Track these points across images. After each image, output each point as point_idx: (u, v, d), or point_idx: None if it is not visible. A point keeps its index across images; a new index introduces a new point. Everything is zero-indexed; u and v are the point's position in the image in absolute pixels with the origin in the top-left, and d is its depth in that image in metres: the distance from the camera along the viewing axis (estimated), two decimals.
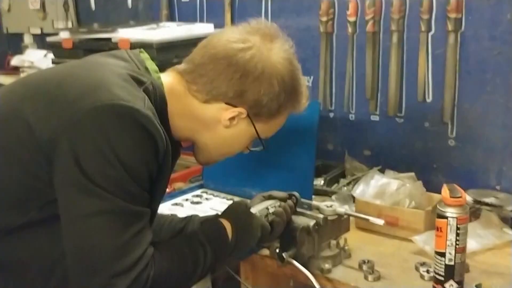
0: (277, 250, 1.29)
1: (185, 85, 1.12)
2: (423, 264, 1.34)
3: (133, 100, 0.98)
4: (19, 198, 1.00)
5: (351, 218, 1.45)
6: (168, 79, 1.13)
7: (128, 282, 0.93)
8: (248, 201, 1.28)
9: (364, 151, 1.97)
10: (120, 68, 1.06)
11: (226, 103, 1.10)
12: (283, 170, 1.69)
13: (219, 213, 1.22)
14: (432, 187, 1.66)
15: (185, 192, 1.92)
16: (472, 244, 1.36)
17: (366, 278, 1.30)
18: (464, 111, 1.72)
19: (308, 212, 1.34)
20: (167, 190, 1.97)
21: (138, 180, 0.97)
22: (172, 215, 1.41)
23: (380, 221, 1.32)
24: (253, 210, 1.22)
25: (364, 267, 1.35)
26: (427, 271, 1.30)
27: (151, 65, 1.12)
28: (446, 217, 1.16)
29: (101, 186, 0.93)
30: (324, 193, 1.85)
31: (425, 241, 1.44)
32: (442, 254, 1.18)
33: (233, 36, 1.11)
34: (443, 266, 1.19)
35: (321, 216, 1.32)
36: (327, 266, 1.34)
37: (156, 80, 1.09)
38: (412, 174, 1.68)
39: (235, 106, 1.11)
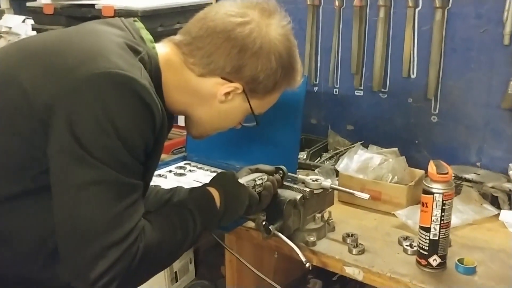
0: (264, 223, 1.27)
1: (182, 57, 1.08)
2: (406, 238, 1.35)
3: (131, 69, 0.95)
4: (13, 166, 0.96)
5: (335, 192, 1.44)
6: (163, 50, 1.09)
7: (119, 253, 0.91)
8: (235, 172, 1.26)
9: (347, 126, 1.96)
10: (116, 37, 1.01)
11: (223, 78, 1.08)
12: (269, 144, 1.67)
13: (207, 182, 1.20)
14: (414, 162, 1.67)
15: (168, 163, 1.89)
16: (453, 219, 1.37)
17: (350, 251, 1.30)
18: (447, 88, 1.71)
19: (295, 186, 1.32)
20: None
21: (133, 152, 0.94)
22: (156, 186, 1.38)
23: (365, 195, 1.31)
24: (241, 181, 1.20)
25: (348, 240, 1.35)
26: (410, 245, 1.30)
27: (146, 35, 1.08)
28: (432, 193, 1.16)
29: (95, 156, 0.90)
30: (307, 167, 1.83)
31: (407, 215, 1.44)
32: (427, 229, 1.18)
33: (231, 10, 1.07)
34: (428, 241, 1.19)
35: (307, 189, 1.31)
36: (312, 239, 1.33)
37: (151, 50, 1.05)
38: (395, 149, 1.67)
39: (231, 81, 1.08)
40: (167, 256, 1.03)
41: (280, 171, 1.31)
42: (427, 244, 1.19)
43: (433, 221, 1.17)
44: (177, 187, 1.36)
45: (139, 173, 0.97)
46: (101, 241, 0.90)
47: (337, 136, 1.96)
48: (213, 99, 1.09)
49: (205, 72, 1.07)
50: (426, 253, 1.20)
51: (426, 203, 1.18)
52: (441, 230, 1.17)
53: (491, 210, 1.49)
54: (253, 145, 1.72)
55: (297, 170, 1.68)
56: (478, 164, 1.69)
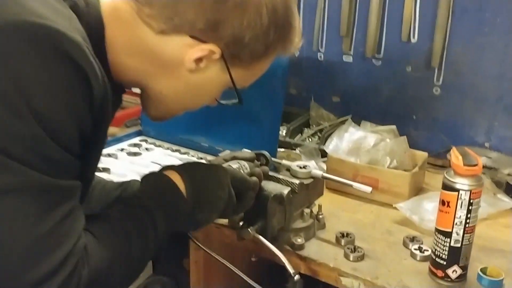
0: (241, 223, 1.03)
1: (135, 6, 0.79)
2: (412, 239, 1.13)
3: (54, 18, 0.66)
4: None
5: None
6: None
7: None
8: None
9: (332, 97, 1.73)
10: None
11: (193, 37, 0.80)
12: (243, 120, 1.42)
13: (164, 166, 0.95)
14: (410, 142, 1.45)
15: (120, 140, 1.62)
16: None
17: (347, 256, 1.08)
18: (454, 55, 1.49)
19: (280, 177, 1.07)
20: None
21: (62, 141, 0.67)
22: (101, 179, 1.11)
23: (367, 189, 1.08)
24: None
25: (343, 241, 1.13)
26: (420, 249, 1.08)
27: None
28: (457, 190, 0.93)
29: (7, 152, 0.63)
30: (286, 146, 1.60)
31: (411, 209, 1.23)
32: (447, 234, 0.96)
33: None
34: (447, 248, 0.97)
35: (296, 181, 1.06)
36: (299, 240, 1.10)
37: None
38: (393, 127, 1.46)
39: (205, 42, 0.80)
40: (122, 278, 0.78)
41: (262, 157, 1.06)
42: (446, 252, 0.98)
43: (456, 224, 0.95)
44: (130, 181, 1.09)
45: (75, 169, 0.71)
46: (25, 277, 0.64)
47: (320, 109, 1.73)
48: (179, 67, 0.82)
49: (167, 28, 0.79)
50: (444, 263, 0.98)
51: (448, 202, 0.95)
52: (465, 235, 0.96)
53: (507, 201, 1.29)
54: (225, 120, 1.46)
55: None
56: (486, 145, 1.49)
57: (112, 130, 1.71)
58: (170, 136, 1.61)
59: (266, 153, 1.06)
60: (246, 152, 1.03)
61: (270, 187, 1.03)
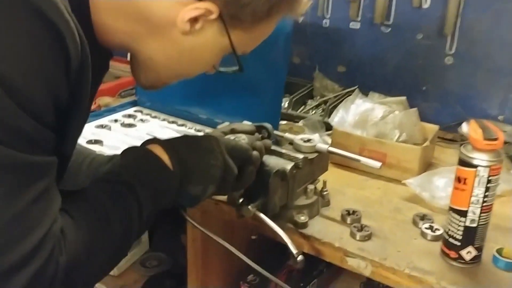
0: (241, 200, 0.97)
1: None
2: (423, 217, 1.08)
3: None
4: None
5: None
6: None
7: (24, 281, 0.59)
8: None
9: (338, 67, 1.66)
10: None
11: None
12: (244, 91, 1.35)
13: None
14: (419, 114, 1.37)
15: (114, 110, 1.55)
16: None
17: (353, 235, 1.02)
18: (469, 21, 1.41)
19: (283, 151, 1.01)
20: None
21: (32, 110, 0.60)
22: (90, 151, 1.04)
23: (376, 164, 1.01)
24: None
25: (349, 219, 1.07)
26: (431, 228, 1.03)
27: None
28: (475, 166, 0.87)
29: None
30: (288, 118, 1.53)
31: (421, 185, 1.17)
32: (462, 213, 0.91)
33: None
34: (462, 228, 0.92)
35: (299, 156, 1.00)
36: (302, 218, 1.04)
37: None
38: (403, 98, 1.39)
39: (201, 0, 0.73)
40: (103, 263, 0.72)
41: (264, 130, 0.99)
42: (460, 233, 0.92)
43: (473, 202, 0.89)
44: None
45: (49, 144, 0.64)
46: None
47: (325, 80, 1.65)
48: (171, 29, 0.74)
49: None
50: (459, 244, 0.93)
51: (465, 179, 0.89)
52: (481, 214, 0.90)
53: None
54: (223, 90, 1.38)
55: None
56: (500, 118, 1.42)
57: (106, 100, 1.64)
58: (167, 107, 1.54)
59: (268, 125, 1.00)
60: (246, 124, 0.96)
61: (272, 162, 0.97)
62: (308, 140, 1.07)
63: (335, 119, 1.33)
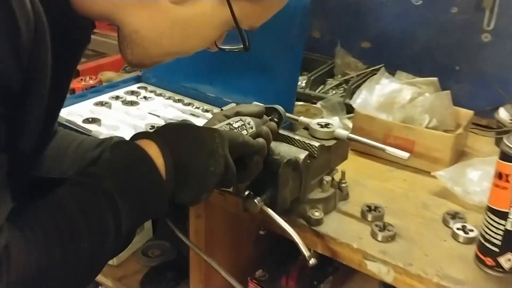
0: (247, 193, 0.86)
1: None
2: (454, 215, 0.95)
3: None
4: None
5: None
6: None
7: None
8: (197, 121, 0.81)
9: (362, 43, 1.52)
10: None
11: None
12: (256, 68, 1.24)
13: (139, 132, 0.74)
14: (452, 97, 1.24)
15: (116, 86, 1.44)
16: None
17: (374, 235, 0.91)
18: None
19: (296, 137, 0.89)
20: (91, 82, 1.48)
21: None
22: (81, 136, 0.93)
23: (404, 154, 0.89)
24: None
25: (370, 216, 0.95)
26: (463, 229, 0.91)
27: None
28: None
29: None
30: (305, 98, 1.41)
31: (453, 179, 1.05)
32: (503, 215, 0.79)
33: None
34: (501, 232, 0.80)
35: (315, 144, 0.88)
36: (316, 214, 0.93)
37: None
38: (434, 79, 1.25)
39: None
40: (65, 287, 0.60)
41: (273, 114, 0.87)
42: (499, 237, 0.80)
43: None
44: (112, 137, 0.91)
45: None
46: None
47: (347, 57, 1.52)
48: None
49: None
50: (497, 250, 0.81)
51: (507, 176, 0.77)
52: None
53: None
54: (235, 66, 1.27)
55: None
56: None
57: (108, 75, 1.54)
58: (173, 84, 1.43)
59: (279, 107, 0.88)
60: (253, 105, 0.84)
61: (283, 150, 0.85)
62: (326, 125, 0.95)
63: (358, 100, 1.21)
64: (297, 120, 1.00)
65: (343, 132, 0.94)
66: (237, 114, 0.82)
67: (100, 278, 1.42)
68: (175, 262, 1.43)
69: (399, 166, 1.14)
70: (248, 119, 0.81)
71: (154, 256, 1.49)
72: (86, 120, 1.25)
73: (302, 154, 0.85)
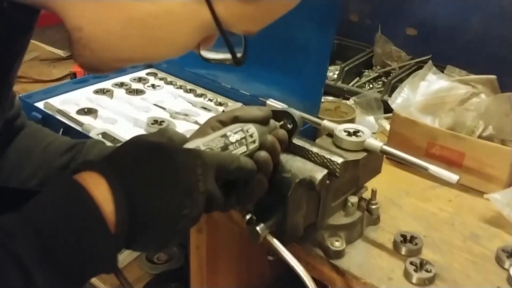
0: (248, 217, 0.69)
1: None
2: (511, 253, 0.76)
3: None
4: None
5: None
6: None
7: None
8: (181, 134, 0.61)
9: (406, 29, 1.32)
10: None
11: None
12: (278, 56, 1.06)
13: (88, 162, 0.54)
14: None
15: (123, 70, 1.29)
16: None
17: (408, 276, 0.73)
18: None
19: (314, 149, 0.72)
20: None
21: None
22: (53, 134, 0.77)
23: (453, 177, 0.70)
24: (191, 145, 0.59)
25: (404, 249, 0.78)
26: None
27: None
28: None
29: None
30: (336, 92, 1.23)
31: (511, 204, 0.85)
32: None
33: None
34: None
35: (337, 160, 0.70)
36: (337, 244, 0.76)
37: None
38: (492, 77, 1.06)
39: None
40: None
41: (286, 120, 0.69)
42: None
43: None
44: (85, 141, 0.74)
45: None
46: None
47: (389, 45, 1.34)
48: None
49: None
50: None
51: None
52: None
53: None
54: (255, 54, 1.09)
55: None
56: None
57: None
58: (186, 72, 1.27)
59: (292, 111, 0.70)
60: (257, 109, 0.66)
61: (296, 166, 0.68)
62: (355, 133, 0.77)
63: (398, 99, 1.02)
64: (319, 125, 0.82)
65: (375, 144, 0.76)
66: (236, 120, 0.64)
67: (97, 283, 1.29)
68: (182, 271, 1.29)
69: (444, 182, 0.94)
70: (251, 127, 0.64)
71: (159, 262, 1.35)
72: (81, 111, 1.10)
73: (319, 173, 0.68)
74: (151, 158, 0.52)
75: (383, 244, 0.79)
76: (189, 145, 0.58)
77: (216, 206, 0.57)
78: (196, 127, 0.71)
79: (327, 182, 0.69)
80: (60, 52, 1.47)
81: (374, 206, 0.83)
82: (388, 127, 1.08)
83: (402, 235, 0.79)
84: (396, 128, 1.01)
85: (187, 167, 0.52)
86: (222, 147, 0.60)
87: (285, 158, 0.69)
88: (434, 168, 0.72)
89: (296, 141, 0.72)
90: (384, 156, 0.81)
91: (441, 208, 0.89)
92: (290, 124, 0.69)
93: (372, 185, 0.83)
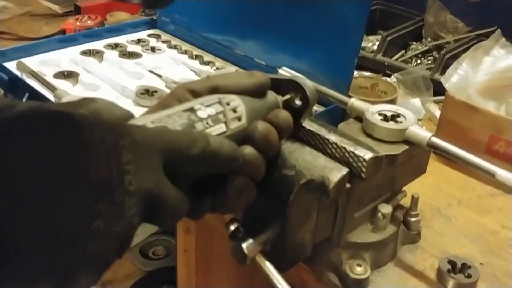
0: (233, 228, 0.50)
1: None
2: None
3: None
4: None
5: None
6: None
7: None
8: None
9: None
10: None
11: None
12: (302, 20, 0.86)
13: None
14: None
15: (120, 30, 1.12)
16: None
17: None
18: None
19: (331, 137, 0.51)
20: (88, 23, 1.15)
21: None
22: None
23: None
24: (141, 121, 0.39)
25: (452, 283, 0.57)
26: None
27: None
28: None
29: None
30: (376, 67, 1.02)
31: None
32: None
33: None
34: None
35: (365, 154, 0.49)
36: (359, 270, 0.56)
37: None
38: None
39: None
40: None
41: (293, 93, 0.48)
42: None
43: None
44: (15, 104, 0.54)
45: None
46: None
47: (444, 12, 1.11)
48: None
49: None
50: None
51: None
52: None
53: None
54: (276, 17, 0.89)
55: (354, 76, 0.86)
56: None
57: (121, 16, 1.20)
58: (194, 35, 1.06)
59: (303, 80, 0.48)
60: (246, 75, 0.46)
61: (303, 161, 0.48)
62: (394, 118, 0.56)
63: (453, 77, 0.80)
64: (346, 104, 0.62)
65: (422, 134, 0.55)
66: (216, 90, 0.44)
67: None
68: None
69: (506, 188, 0.73)
70: (235, 99, 0.43)
71: (154, 257, 1.17)
72: (60, 74, 0.92)
73: (336, 173, 0.47)
74: (43, 136, 0.32)
75: (422, 271, 0.58)
76: (133, 122, 0.38)
77: (171, 213, 0.37)
78: None
79: (348, 185, 0.49)
80: (56, 8, 1.29)
81: (414, 218, 0.62)
82: (438, 113, 0.86)
83: (450, 261, 0.58)
84: (448, 114, 0.78)
85: (103, 149, 0.32)
86: (184, 125, 0.39)
87: (288, 148, 0.49)
88: (504, 174, 0.50)
89: (308, 124, 0.51)
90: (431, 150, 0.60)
91: (504, 225, 0.67)
92: (299, 100, 0.49)
93: (412, 189, 0.62)
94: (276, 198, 0.48)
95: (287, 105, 0.48)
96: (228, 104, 0.43)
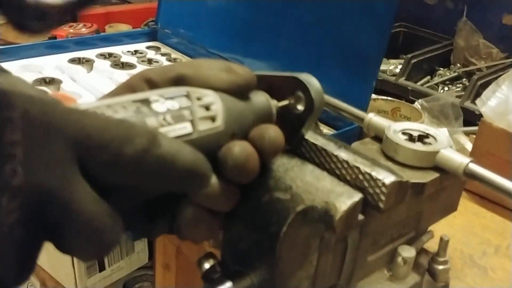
0: (207, 266, 0.38)
1: None
2: None
3: None
4: None
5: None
6: None
7: None
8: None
9: (503, 16, 0.98)
10: None
11: None
12: (314, 37, 0.78)
13: None
14: None
15: (116, 41, 1.03)
16: None
17: None
18: None
19: (341, 153, 0.39)
20: (83, 31, 1.06)
21: None
22: None
23: None
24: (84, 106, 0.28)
25: None
26: None
27: None
28: None
29: None
30: (397, 92, 0.92)
31: None
32: None
33: None
34: None
35: (385, 177, 0.37)
36: None
37: None
38: None
39: None
40: None
41: (294, 95, 0.37)
42: None
43: None
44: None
45: None
46: None
47: (477, 36, 1.01)
48: None
49: None
50: None
51: None
52: None
53: None
54: (286, 33, 0.80)
55: (375, 97, 0.75)
56: None
57: (120, 28, 1.12)
58: (197, 48, 0.97)
59: (307, 79, 0.37)
60: (224, 67, 0.35)
61: (302, 182, 0.37)
62: (422, 138, 0.45)
63: (491, 101, 0.68)
64: (361, 120, 0.51)
65: (458, 158, 0.43)
66: (182, 81, 0.33)
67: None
68: None
69: None
70: (208, 95, 0.32)
71: None
72: (41, 81, 0.83)
73: (345, 199, 0.35)
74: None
75: None
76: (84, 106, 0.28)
77: (85, 232, 0.25)
78: None
79: (361, 217, 0.37)
80: None
81: (441, 266, 0.50)
82: (468, 145, 0.75)
83: None
84: (484, 145, 0.67)
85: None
86: (130, 117, 0.29)
87: (284, 165, 0.37)
88: None
89: (312, 136, 0.40)
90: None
91: None
92: (301, 105, 0.37)
93: (439, 230, 0.50)
94: (264, 229, 0.36)
95: (286, 111, 0.37)
96: (198, 99, 0.32)
